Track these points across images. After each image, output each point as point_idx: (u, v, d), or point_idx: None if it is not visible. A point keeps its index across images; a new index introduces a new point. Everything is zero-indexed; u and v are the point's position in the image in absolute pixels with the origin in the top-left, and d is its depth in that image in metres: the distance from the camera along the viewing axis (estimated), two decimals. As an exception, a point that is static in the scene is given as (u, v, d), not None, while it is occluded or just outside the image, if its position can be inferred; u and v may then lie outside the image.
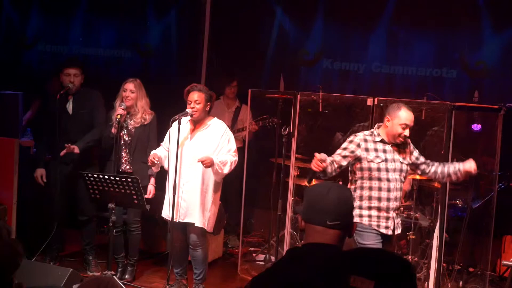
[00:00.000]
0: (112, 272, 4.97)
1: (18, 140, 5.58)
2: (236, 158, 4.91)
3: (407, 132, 4.29)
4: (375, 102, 5.42)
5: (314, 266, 1.98)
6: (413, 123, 4.33)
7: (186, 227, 4.93)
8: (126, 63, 8.41)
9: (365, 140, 4.32)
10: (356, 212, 4.30)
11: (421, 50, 7.26)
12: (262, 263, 6.16)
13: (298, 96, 5.60)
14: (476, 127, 6.22)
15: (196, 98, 4.83)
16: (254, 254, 6.43)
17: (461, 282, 5.62)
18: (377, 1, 7.37)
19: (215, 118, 5.02)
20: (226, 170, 4.84)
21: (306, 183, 4.96)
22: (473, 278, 5.79)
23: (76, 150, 5.26)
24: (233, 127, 6.81)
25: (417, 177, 5.57)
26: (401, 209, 5.52)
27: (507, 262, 4.88)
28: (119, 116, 5.12)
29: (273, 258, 5.85)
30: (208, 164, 4.70)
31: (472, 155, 5.94)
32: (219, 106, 6.76)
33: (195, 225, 4.87)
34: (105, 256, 5.21)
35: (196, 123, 4.94)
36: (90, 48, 8.59)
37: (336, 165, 4.23)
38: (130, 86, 5.31)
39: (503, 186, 6.06)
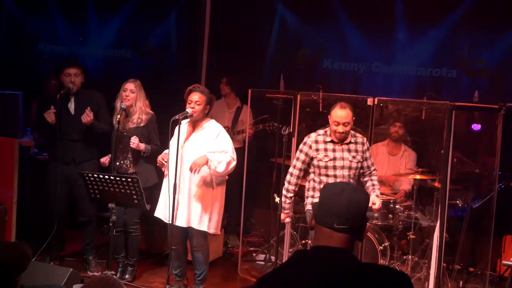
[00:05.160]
0: (112, 272, 4.96)
1: (18, 140, 5.58)
2: (233, 159, 4.80)
3: (340, 129, 4.58)
4: (375, 102, 5.43)
5: (322, 271, 1.95)
6: (348, 120, 4.57)
7: (186, 229, 4.91)
8: (126, 63, 8.40)
9: (316, 142, 4.70)
10: (309, 200, 4.72)
11: (421, 50, 7.26)
12: (262, 263, 6.17)
13: (298, 96, 5.60)
14: (476, 127, 6.22)
15: (196, 99, 4.82)
16: (254, 254, 6.43)
17: (461, 282, 5.62)
18: (376, 0, 7.37)
19: (212, 120, 4.99)
20: (221, 168, 4.72)
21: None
22: (473, 278, 5.79)
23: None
24: (234, 127, 6.79)
25: (418, 177, 5.57)
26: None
27: (507, 262, 4.89)
28: (118, 117, 5.14)
29: (273, 258, 5.85)
30: (196, 167, 4.65)
31: (472, 155, 5.99)
32: (220, 106, 6.74)
33: (196, 228, 4.86)
34: (105, 256, 5.21)
35: (194, 125, 4.92)
36: (90, 48, 8.59)
37: (302, 173, 4.75)
38: (130, 86, 5.29)
39: (503, 186, 6.06)
